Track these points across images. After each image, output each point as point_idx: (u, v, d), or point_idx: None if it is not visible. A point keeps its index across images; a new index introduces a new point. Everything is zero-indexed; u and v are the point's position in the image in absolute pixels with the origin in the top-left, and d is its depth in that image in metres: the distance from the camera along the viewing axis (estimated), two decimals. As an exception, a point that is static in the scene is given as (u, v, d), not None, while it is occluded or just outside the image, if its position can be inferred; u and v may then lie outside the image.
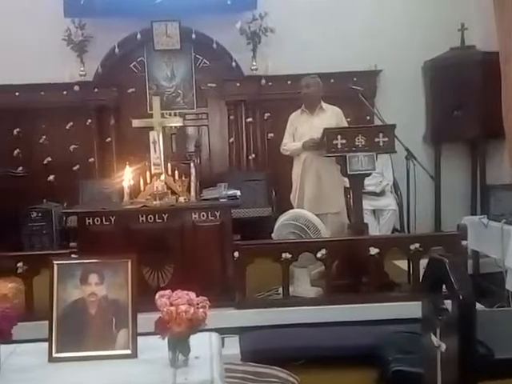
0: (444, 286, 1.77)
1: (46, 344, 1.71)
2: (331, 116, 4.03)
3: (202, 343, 1.71)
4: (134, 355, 1.68)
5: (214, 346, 1.73)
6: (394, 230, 4.99)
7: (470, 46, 5.32)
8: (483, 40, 5.20)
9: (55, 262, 1.71)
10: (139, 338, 1.73)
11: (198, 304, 1.55)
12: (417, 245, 3.37)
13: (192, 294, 1.57)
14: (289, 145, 4.10)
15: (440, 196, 5.42)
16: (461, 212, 5.31)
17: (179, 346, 1.57)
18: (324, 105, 4.07)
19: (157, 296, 1.60)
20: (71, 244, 3.27)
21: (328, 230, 3.69)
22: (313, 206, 3.88)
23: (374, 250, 3.36)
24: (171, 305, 1.52)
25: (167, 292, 1.58)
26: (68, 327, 1.69)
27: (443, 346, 1.65)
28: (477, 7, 5.36)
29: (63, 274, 1.72)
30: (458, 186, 5.49)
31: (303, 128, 4.02)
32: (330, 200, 3.95)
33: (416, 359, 2.62)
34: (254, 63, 5.38)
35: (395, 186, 5.11)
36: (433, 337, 1.72)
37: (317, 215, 3.61)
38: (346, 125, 4.05)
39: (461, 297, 1.55)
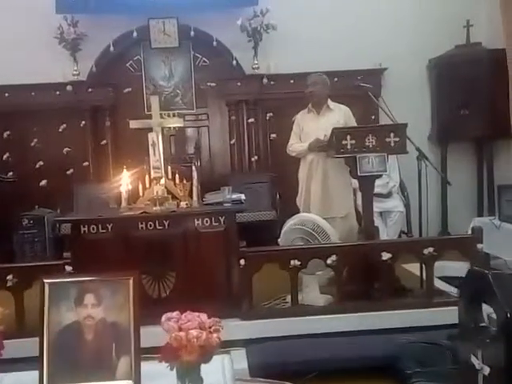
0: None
1: (37, 374, 1.50)
2: (338, 115, 3.90)
3: (214, 369, 1.52)
4: (137, 386, 1.48)
5: (227, 372, 1.54)
6: (402, 232, 4.85)
7: (476, 43, 5.28)
8: (489, 37, 5.17)
9: (46, 281, 1.51)
10: (142, 363, 1.54)
11: (210, 327, 1.35)
12: (430, 249, 3.24)
13: (203, 316, 1.37)
14: (295, 146, 3.96)
15: (447, 196, 5.31)
16: (468, 213, 5.25)
17: (189, 375, 1.38)
18: (331, 103, 3.94)
19: (163, 318, 1.40)
20: (65, 254, 3.05)
21: (336, 235, 3.53)
22: (320, 209, 3.76)
23: (386, 255, 3.22)
24: (180, 329, 1.32)
25: (175, 314, 1.38)
26: (61, 355, 1.49)
27: (486, 369, 1.47)
28: (482, 4, 5.34)
29: (55, 294, 1.52)
30: (465, 186, 5.41)
31: (309, 128, 3.90)
32: (337, 203, 3.83)
33: (437, 373, 2.47)
34: (256, 61, 5.25)
35: (402, 187, 4.98)
36: (473, 358, 1.53)
37: (324, 219, 3.48)
38: (354, 124, 3.91)
39: (508, 315, 1.36)
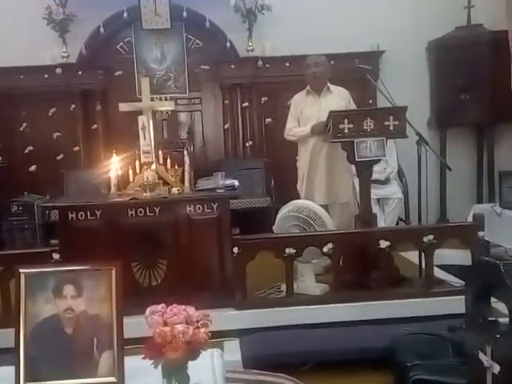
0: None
1: (13, 369, 1.40)
2: (339, 97, 3.80)
3: (202, 366, 1.42)
4: (120, 383, 1.38)
5: (217, 368, 1.45)
6: (400, 219, 4.77)
7: (477, 24, 5.17)
8: (491, 18, 5.06)
9: (22, 271, 1.40)
10: (126, 358, 1.44)
11: (197, 322, 1.25)
12: (430, 237, 3.17)
13: (190, 309, 1.27)
14: (295, 130, 3.83)
15: (445, 183, 5.24)
16: (467, 199, 5.17)
17: (176, 373, 1.28)
18: (331, 86, 3.83)
19: (147, 312, 1.30)
20: (52, 241, 2.95)
21: (336, 221, 3.51)
22: (324, 195, 3.70)
23: (384, 243, 3.14)
24: (165, 324, 1.22)
25: (160, 307, 1.27)
26: (39, 350, 1.39)
27: (496, 368, 1.37)
28: (483, -16, 5.12)
29: (32, 284, 1.41)
30: (465, 172, 5.34)
31: (309, 110, 3.78)
32: (341, 189, 3.76)
33: (437, 366, 2.39)
34: (250, 44, 5.12)
35: (400, 173, 4.89)
36: (481, 355, 1.44)
37: (326, 205, 3.38)
38: (354, 107, 3.81)
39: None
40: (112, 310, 1.40)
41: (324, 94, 3.81)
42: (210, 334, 1.26)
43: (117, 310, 1.40)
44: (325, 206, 3.67)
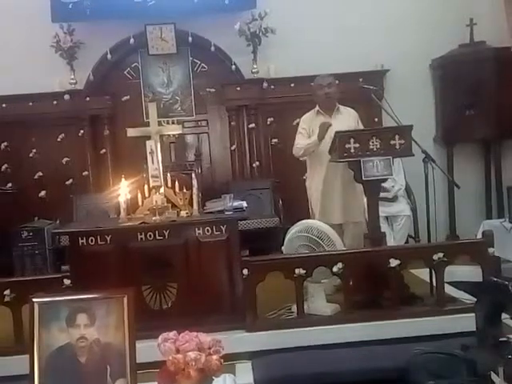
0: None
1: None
2: (349, 118, 3.80)
3: (215, 392, 1.41)
4: (133, 411, 1.38)
5: (230, 394, 1.44)
6: (409, 236, 4.74)
7: (480, 41, 5.18)
8: (493, 35, 5.09)
9: (35, 301, 1.41)
10: (140, 384, 1.44)
11: (209, 349, 1.25)
12: (440, 254, 3.14)
13: (202, 336, 1.27)
14: (302, 141, 3.78)
15: (454, 199, 5.21)
16: (476, 215, 5.14)
17: (189, 400, 1.28)
18: (341, 106, 3.85)
19: (159, 339, 1.30)
20: (63, 268, 2.97)
21: (350, 240, 3.52)
22: (340, 214, 3.68)
23: (394, 262, 3.12)
24: (178, 351, 1.22)
25: (172, 334, 1.28)
26: (53, 379, 1.40)
27: (509, 389, 1.36)
28: (486, 1, 5.22)
29: (46, 314, 1.42)
30: (473, 188, 5.30)
31: None
32: (356, 208, 3.74)
33: (452, 385, 2.35)
34: (255, 66, 5.16)
35: (407, 190, 4.88)
36: (494, 376, 1.43)
37: (341, 224, 3.38)
38: (362, 127, 3.81)
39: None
40: (124, 338, 1.41)
41: (335, 114, 3.80)
42: (222, 360, 1.26)
43: (129, 338, 1.40)
44: (340, 226, 3.66)
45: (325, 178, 3.72)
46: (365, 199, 3.62)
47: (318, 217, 3.70)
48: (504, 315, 1.57)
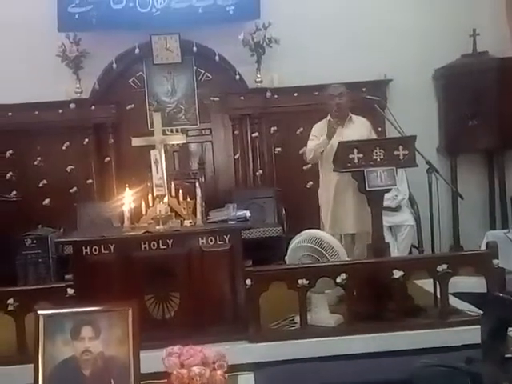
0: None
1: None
2: (361, 127, 3.78)
3: (219, 406, 1.41)
4: (137, 425, 1.38)
5: (234, 408, 1.43)
6: (413, 246, 4.73)
7: (483, 52, 5.18)
8: (496, 45, 5.11)
9: (40, 313, 1.41)
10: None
11: (214, 363, 1.25)
12: (444, 266, 3.13)
13: (207, 351, 1.27)
14: (311, 144, 3.76)
15: (458, 209, 5.19)
16: (480, 225, 5.12)
17: (193, 415, 1.28)
18: (353, 116, 3.83)
19: (164, 354, 1.30)
20: (66, 277, 2.97)
21: (359, 250, 3.52)
22: (353, 224, 3.66)
23: (397, 273, 3.11)
24: (182, 366, 1.22)
25: (176, 349, 1.28)
26: (57, 392, 1.40)
27: (514, 406, 1.35)
28: (488, 12, 5.25)
29: (51, 326, 1.42)
30: (476, 198, 5.29)
31: (333, 140, 3.71)
32: (368, 218, 3.65)
33: (456, 400, 2.33)
34: (259, 75, 5.19)
35: (411, 200, 4.88)
36: (499, 392, 1.42)
37: (354, 234, 3.40)
38: (375, 136, 3.82)
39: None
40: (129, 351, 1.40)
41: (347, 124, 3.78)
42: (226, 376, 1.26)
43: (134, 351, 1.40)
44: (352, 235, 3.65)
45: (336, 187, 3.69)
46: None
47: (329, 226, 3.68)
48: (510, 329, 1.57)
